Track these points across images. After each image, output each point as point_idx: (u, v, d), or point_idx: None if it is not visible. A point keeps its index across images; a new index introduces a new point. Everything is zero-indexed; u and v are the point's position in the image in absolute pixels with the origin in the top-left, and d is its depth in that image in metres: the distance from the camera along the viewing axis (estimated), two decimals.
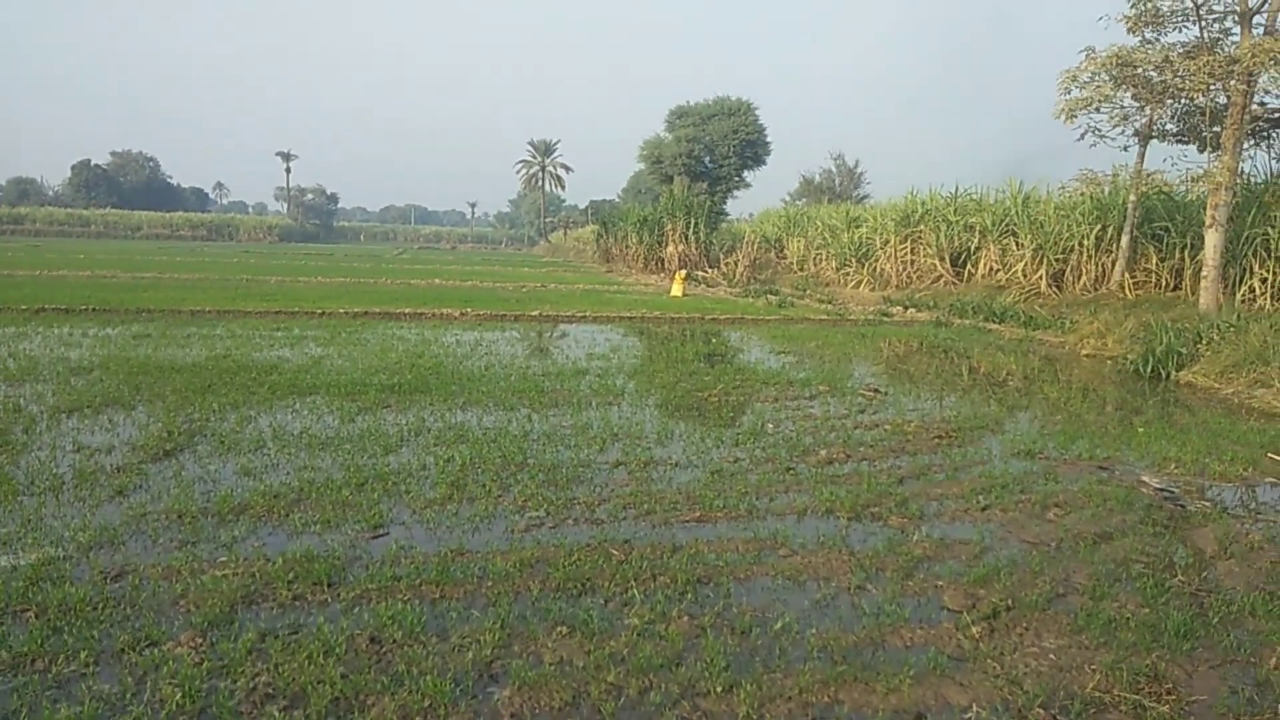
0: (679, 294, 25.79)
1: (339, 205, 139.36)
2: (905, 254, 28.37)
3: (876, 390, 10.96)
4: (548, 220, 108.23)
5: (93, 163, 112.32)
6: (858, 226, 31.54)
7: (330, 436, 7.66)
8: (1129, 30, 17.35)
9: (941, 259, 26.68)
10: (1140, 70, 17.02)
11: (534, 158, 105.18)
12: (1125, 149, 19.44)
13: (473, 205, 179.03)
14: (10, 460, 6.62)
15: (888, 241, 28.90)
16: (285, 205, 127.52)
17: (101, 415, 8.18)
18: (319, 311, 17.93)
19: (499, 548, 5.22)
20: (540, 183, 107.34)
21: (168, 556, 4.86)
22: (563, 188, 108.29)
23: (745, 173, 47.22)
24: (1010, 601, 4.71)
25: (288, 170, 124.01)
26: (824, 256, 33.45)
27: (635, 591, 4.62)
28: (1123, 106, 18.06)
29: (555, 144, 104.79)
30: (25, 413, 8.12)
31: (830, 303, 25.51)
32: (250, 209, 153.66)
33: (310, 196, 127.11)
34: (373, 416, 8.53)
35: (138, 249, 55.61)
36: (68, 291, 20.21)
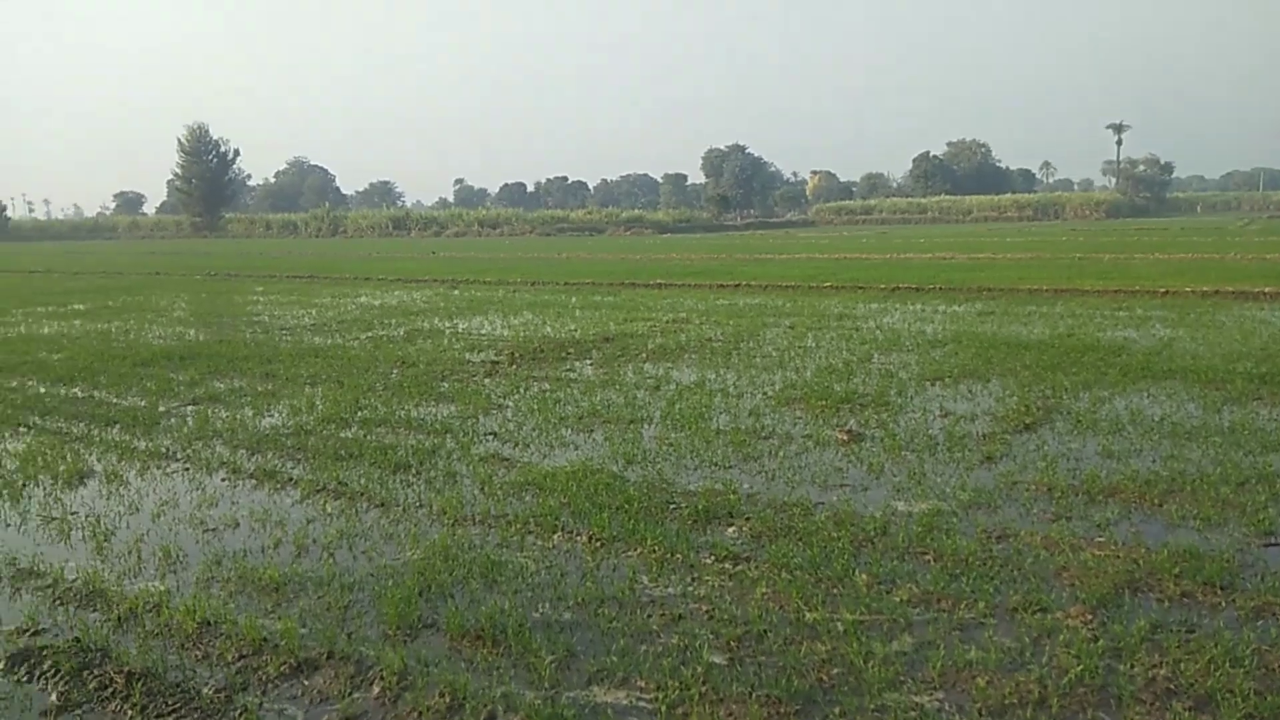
0: None
1: (1173, 175, 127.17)
2: None
3: None
4: None
5: (930, 154, 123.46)
6: None
7: (1195, 427, 7.01)
8: None
9: None
10: None
11: None
12: None
13: None
14: (891, 418, 7.63)
15: None
16: (1113, 179, 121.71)
17: (960, 385, 8.89)
18: (1160, 290, 16.63)
19: None
20: None
21: (1044, 527, 5.02)
22: None
23: None
24: None
25: (1118, 142, 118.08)
26: None
27: None
28: None
29: None
30: (896, 378, 9.28)
31: None
32: (1075, 186, 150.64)
33: (1142, 168, 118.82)
34: (1241, 408, 7.56)
35: (969, 231, 59.33)
36: (915, 272, 22.58)
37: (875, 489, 5.81)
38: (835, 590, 4.25)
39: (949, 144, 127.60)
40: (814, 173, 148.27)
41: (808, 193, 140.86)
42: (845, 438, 6.98)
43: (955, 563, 4.55)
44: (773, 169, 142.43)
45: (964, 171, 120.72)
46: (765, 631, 3.86)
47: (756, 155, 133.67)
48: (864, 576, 4.36)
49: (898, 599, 4.14)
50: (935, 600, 4.14)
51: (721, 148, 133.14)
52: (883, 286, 19.13)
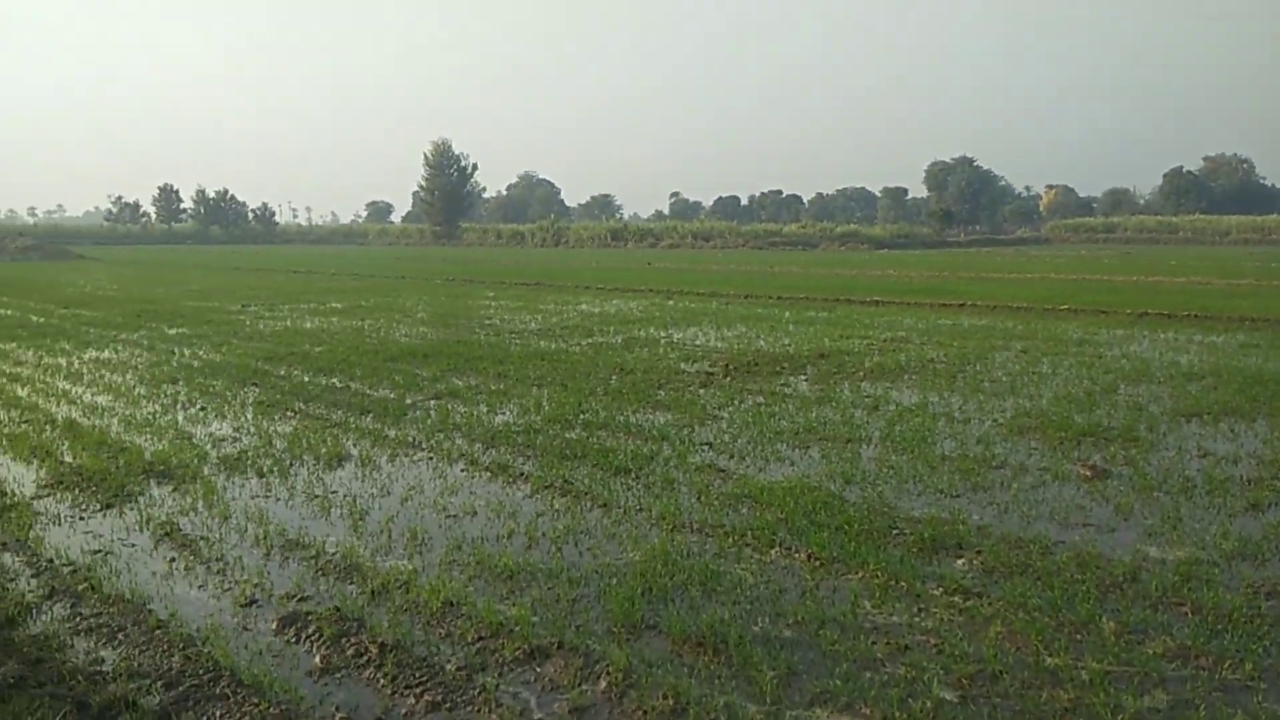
0: None
1: None
2: None
3: None
4: None
5: (1184, 169, 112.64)
6: None
7: None
8: None
9: None
10: None
11: None
12: None
13: None
14: (1141, 455, 7.02)
15: None
16: None
17: (1221, 423, 8.06)
18: None
19: None
20: None
21: None
22: None
23: None
24: None
25: None
26: None
27: None
28: None
29: None
30: (1146, 412, 8.54)
31: None
32: None
33: None
34: None
35: (1226, 254, 53.62)
36: (1166, 297, 20.67)
37: (1123, 531, 5.38)
38: (1079, 636, 3.97)
39: (1205, 159, 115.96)
40: (1049, 187, 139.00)
41: (1041, 208, 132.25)
42: (1088, 473, 6.50)
43: (1217, 617, 4.13)
44: (1002, 183, 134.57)
45: (1222, 189, 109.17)
46: (1000, 672, 3.67)
47: (985, 168, 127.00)
48: (1111, 624, 4.05)
49: (1150, 651, 3.82)
50: (1193, 656, 3.79)
51: (947, 160, 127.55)
52: (1128, 311, 17.68)
